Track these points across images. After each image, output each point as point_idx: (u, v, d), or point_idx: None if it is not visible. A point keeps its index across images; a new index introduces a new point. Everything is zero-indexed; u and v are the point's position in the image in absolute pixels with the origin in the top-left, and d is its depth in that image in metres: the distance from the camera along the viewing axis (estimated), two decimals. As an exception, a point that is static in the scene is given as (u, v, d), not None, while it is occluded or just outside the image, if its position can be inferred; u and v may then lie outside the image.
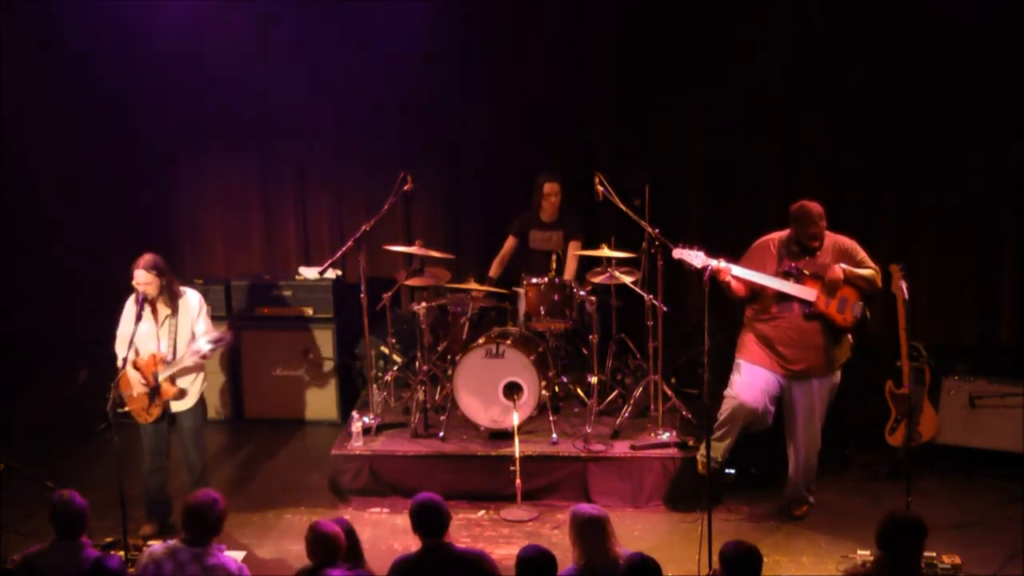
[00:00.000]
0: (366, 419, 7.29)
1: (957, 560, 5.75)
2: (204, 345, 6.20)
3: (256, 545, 6.33)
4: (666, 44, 8.16)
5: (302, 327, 8.24)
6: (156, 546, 4.92)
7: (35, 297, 9.02)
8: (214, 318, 7.99)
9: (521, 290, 7.48)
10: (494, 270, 7.94)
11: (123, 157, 8.75)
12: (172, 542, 4.87)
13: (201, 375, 6.48)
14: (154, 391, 6.27)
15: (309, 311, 8.24)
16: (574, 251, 7.72)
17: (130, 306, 6.31)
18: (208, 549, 4.80)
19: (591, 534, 4.69)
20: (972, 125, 7.91)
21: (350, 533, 5.00)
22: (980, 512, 6.61)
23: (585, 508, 4.85)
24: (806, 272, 6.27)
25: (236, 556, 5.20)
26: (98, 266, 8.62)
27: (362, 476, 7.02)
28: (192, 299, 6.39)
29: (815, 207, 6.23)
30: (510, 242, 7.95)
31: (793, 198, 6.40)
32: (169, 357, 6.26)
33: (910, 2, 7.80)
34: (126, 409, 6.28)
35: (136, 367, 6.24)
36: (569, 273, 7.66)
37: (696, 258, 6.24)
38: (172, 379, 6.29)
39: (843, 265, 6.24)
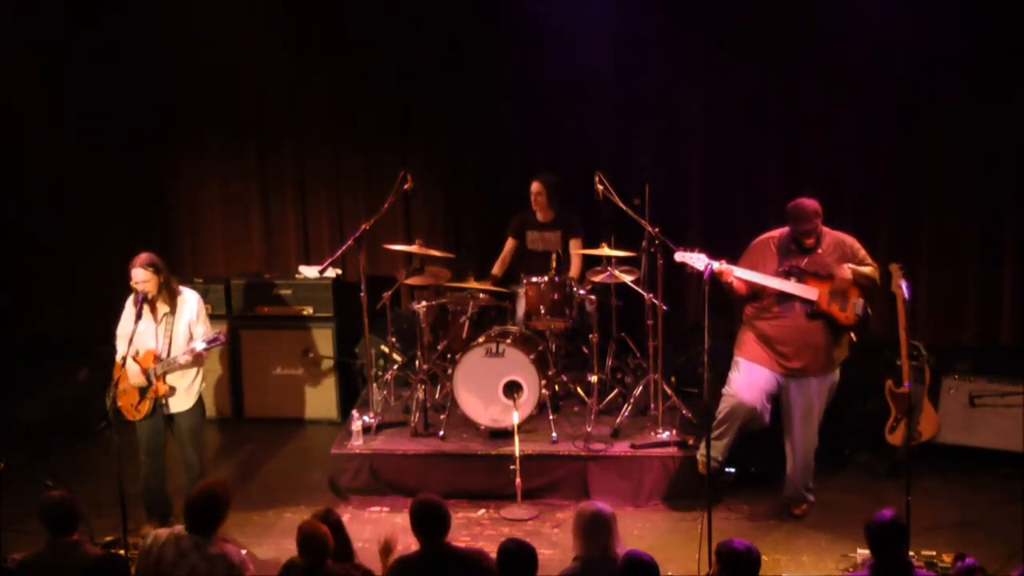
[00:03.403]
0: (366, 418, 7.29)
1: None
2: (199, 344, 6.24)
3: (256, 544, 6.33)
4: (666, 42, 8.17)
5: (302, 326, 8.24)
6: (162, 531, 4.91)
7: (34, 297, 9.04)
8: (214, 317, 8.05)
9: (521, 289, 7.49)
10: (497, 269, 7.95)
11: (122, 156, 8.76)
12: (177, 528, 4.87)
13: (199, 375, 6.47)
14: (145, 388, 6.28)
15: (309, 310, 8.24)
16: (576, 249, 7.71)
17: (130, 306, 6.33)
18: (211, 539, 4.79)
19: (593, 530, 4.68)
20: (972, 124, 7.91)
21: (338, 527, 4.99)
22: (980, 511, 6.61)
23: (592, 503, 4.87)
24: (807, 271, 6.27)
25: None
26: (98, 266, 8.63)
27: (362, 475, 7.02)
28: (191, 299, 6.39)
29: (809, 204, 6.24)
30: (510, 243, 7.95)
31: (792, 197, 6.40)
32: (164, 355, 6.27)
33: (909, 4, 7.81)
34: (117, 404, 6.27)
35: (135, 362, 6.25)
36: (575, 270, 7.65)
37: (698, 261, 6.24)
38: (164, 376, 6.29)
39: (850, 265, 6.24)
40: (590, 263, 7.48)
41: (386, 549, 5.16)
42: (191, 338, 6.30)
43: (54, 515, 4.91)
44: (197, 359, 6.32)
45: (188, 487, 6.20)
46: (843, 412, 7.04)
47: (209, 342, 6.25)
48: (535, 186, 7.70)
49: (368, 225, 7.30)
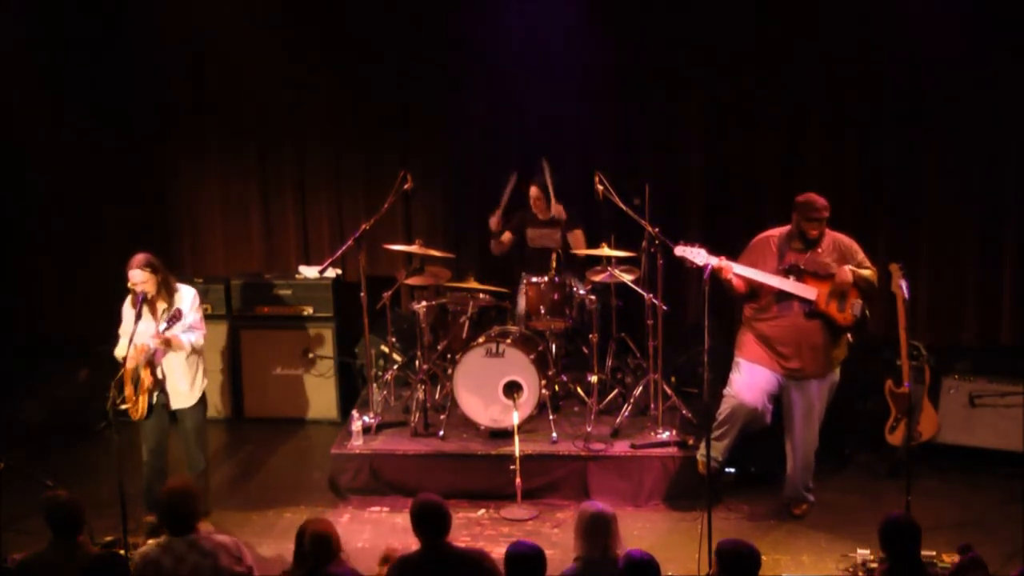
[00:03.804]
0: (366, 418, 7.29)
1: (957, 559, 5.74)
2: (162, 326, 6.18)
3: (256, 544, 6.31)
4: (666, 44, 8.17)
5: (302, 326, 8.24)
6: (146, 547, 4.90)
7: (35, 297, 9.03)
8: (214, 317, 8.07)
9: (521, 289, 7.49)
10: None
11: (122, 156, 8.76)
12: (161, 539, 4.86)
13: (201, 371, 6.48)
14: (135, 382, 6.28)
15: (309, 310, 8.24)
16: (580, 239, 7.69)
17: (128, 308, 6.32)
18: (199, 535, 4.79)
19: (594, 530, 4.69)
20: (972, 124, 7.90)
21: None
22: (980, 511, 6.61)
23: (594, 504, 4.87)
24: (806, 270, 6.27)
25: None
26: (98, 266, 8.62)
27: (362, 475, 7.02)
28: (187, 295, 6.39)
29: (821, 199, 6.25)
30: (507, 235, 7.92)
31: (792, 196, 6.40)
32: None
33: (907, 5, 7.80)
34: (125, 407, 6.28)
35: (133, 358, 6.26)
36: (581, 252, 7.58)
37: (698, 256, 6.24)
38: (151, 367, 6.25)
39: (850, 267, 6.24)
40: (591, 263, 7.47)
41: (384, 562, 5.16)
42: (187, 331, 6.31)
43: (61, 517, 4.89)
44: (166, 344, 6.23)
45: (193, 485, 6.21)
46: (843, 412, 7.03)
47: (169, 321, 6.16)
48: (533, 191, 7.69)
49: (368, 225, 7.30)
